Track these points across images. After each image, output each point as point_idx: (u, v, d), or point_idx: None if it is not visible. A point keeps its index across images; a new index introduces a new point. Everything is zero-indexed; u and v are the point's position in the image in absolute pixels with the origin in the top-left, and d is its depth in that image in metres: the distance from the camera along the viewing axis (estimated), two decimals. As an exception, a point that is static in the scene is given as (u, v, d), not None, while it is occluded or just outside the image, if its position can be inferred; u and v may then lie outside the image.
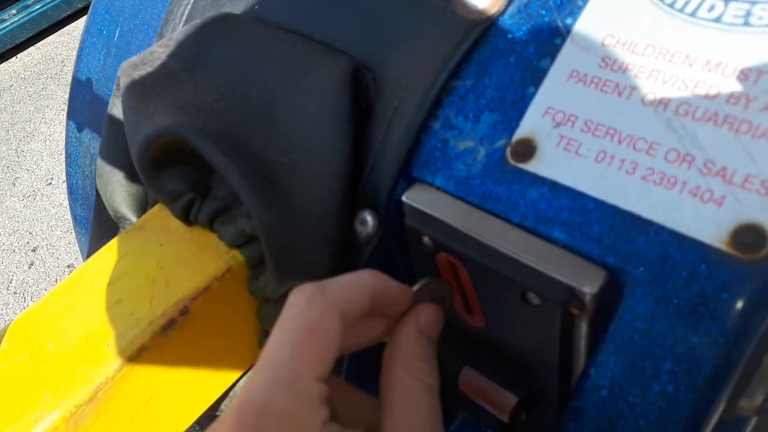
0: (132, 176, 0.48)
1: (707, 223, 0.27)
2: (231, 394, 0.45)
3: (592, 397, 0.29)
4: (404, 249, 0.38)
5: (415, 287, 0.33)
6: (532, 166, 0.32)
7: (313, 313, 0.27)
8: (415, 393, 0.29)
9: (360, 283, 0.30)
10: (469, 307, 0.36)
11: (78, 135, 0.60)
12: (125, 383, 0.36)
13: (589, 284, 0.29)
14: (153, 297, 0.38)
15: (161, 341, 0.37)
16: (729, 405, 0.29)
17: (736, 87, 0.28)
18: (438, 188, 0.35)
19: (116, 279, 0.40)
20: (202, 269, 0.39)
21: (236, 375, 0.43)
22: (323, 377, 0.27)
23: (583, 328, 0.31)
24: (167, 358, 0.38)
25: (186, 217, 0.41)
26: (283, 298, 0.39)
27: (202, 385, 0.41)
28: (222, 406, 0.46)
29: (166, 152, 0.39)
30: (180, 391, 0.40)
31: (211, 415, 0.49)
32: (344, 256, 0.38)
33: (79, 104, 0.60)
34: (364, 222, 0.38)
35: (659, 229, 0.28)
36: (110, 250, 0.42)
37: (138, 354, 0.36)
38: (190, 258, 0.40)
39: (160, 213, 0.43)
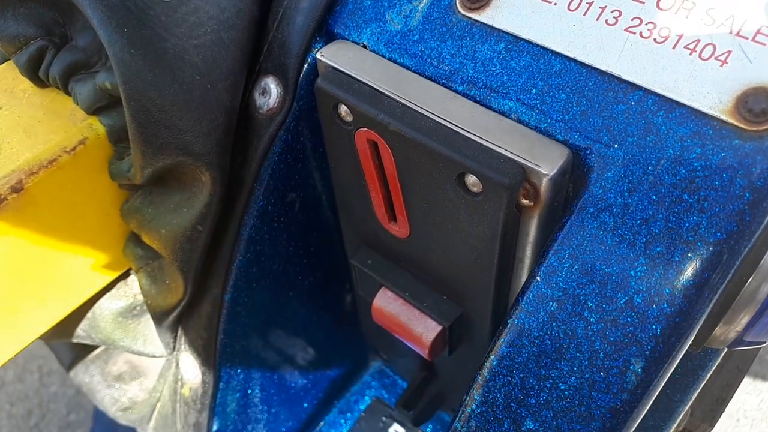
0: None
1: (706, 86, 0.22)
2: (89, 315, 0.38)
3: (537, 312, 0.23)
4: (319, 129, 0.31)
5: None
6: (487, 17, 0.26)
7: None
8: None
9: None
10: (392, 209, 0.30)
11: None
12: None
13: (546, 164, 0.23)
14: (-24, 167, 0.30)
15: (-20, 223, 0.29)
16: (701, 334, 0.24)
17: None
18: (364, 47, 0.28)
19: (-70, 144, 0.32)
20: (48, 138, 0.31)
21: (91, 288, 0.35)
22: None
23: (532, 228, 0.25)
24: (-11, 248, 0.30)
25: (34, 71, 0.32)
26: (151, 186, 0.32)
27: (42, 296, 0.34)
28: (79, 331, 0.39)
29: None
30: (9, 298, 0.32)
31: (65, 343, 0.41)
32: (242, 135, 0.31)
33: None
34: (266, 91, 0.31)
35: (643, 95, 0.22)
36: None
37: (-57, 235, 0.28)
38: (34, 125, 0.32)
39: (4, 73, 0.35)
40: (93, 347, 0.46)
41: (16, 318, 0.33)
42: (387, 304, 0.32)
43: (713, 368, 0.32)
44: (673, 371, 0.28)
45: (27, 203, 0.30)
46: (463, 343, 0.33)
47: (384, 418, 0.48)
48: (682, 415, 0.33)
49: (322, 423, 0.48)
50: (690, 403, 0.32)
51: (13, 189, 0.30)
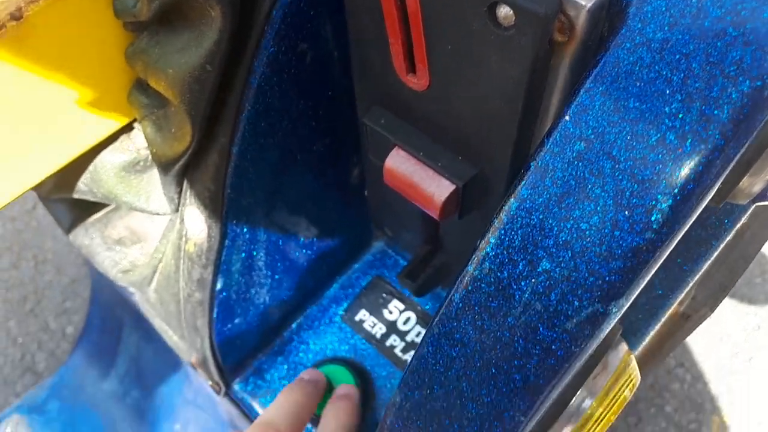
0: None
1: None
2: (91, 168, 0.37)
3: (563, 152, 0.23)
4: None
5: None
6: None
7: None
8: None
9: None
10: (412, 57, 0.29)
11: None
12: None
13: (585, -7, 0.22)
14: (-28, -7, 0.28)
15: (-22, 50, 0.28)
16: (728, 182, 0.24)
17: None
18: None
19: None
20: (48, -36, 0.29)
21: (93, 136, 0.34)
22: None
23: (563, 71, 0.24)
24: (-12, 79, 0.29)
25: None
26: (158, 26, 0.30)
27: (42, 138, 0.33)
28: (81, 185, 0.38)
29: None
30: (7, 134, 0.31)
31: (60, 198, 0.41)
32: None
33: None
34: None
35: None
36: None
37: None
38: (33, -48, 0.30)
39: None
40: (92, 210, 0.45)
41: (15, 158, 0.32)
42: (399, 164, 0.32)
43: (727, 239, 0.31)
44: (687, 238, 0.27)
45: (27, 34, 0.29)
46: (474, 207, 0.33)
47: (384, 295, 0.48)
48: (690, 286, 0.33)
49: (323, 297, 0.49)
50: (699, 273, 0.33)
51: (12, 16, 0.28)
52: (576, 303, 0.23)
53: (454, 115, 0.29)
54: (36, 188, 0.37)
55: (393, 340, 0.47)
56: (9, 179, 0.33)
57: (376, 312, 0.48)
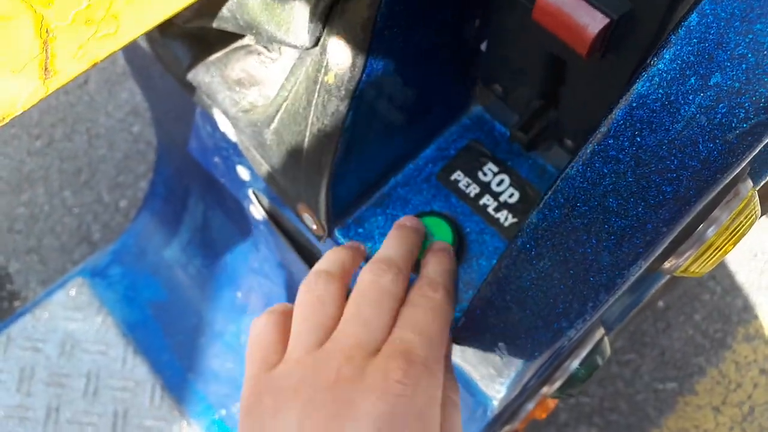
0: None
1: None
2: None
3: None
4: None
5: None
6: None
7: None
8: None
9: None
10: None
11: None
12: None
13: None
14: None
15: None
16: None
17: None
18: None
19: None
20: None
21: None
22: None
23: None
24: None
25: None
26: None
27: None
28: (225, 11, 0.39)
29: None
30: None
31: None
32: None
33: None
34: None
35: None
36: None
37: None
38: None
39: None
40: (210, 50, 0.47)
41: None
42: (552, -5, 0.33)
43: None
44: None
45: None
46: (619, 47, 0.34)
47: (480, 157, 0.51)
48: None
49: (419, 157, 0.51)
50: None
51: None
52: (742, 114, 0.26)
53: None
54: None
55: (486, 199, 0.50)
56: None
57: (470, 173, 0.51)
